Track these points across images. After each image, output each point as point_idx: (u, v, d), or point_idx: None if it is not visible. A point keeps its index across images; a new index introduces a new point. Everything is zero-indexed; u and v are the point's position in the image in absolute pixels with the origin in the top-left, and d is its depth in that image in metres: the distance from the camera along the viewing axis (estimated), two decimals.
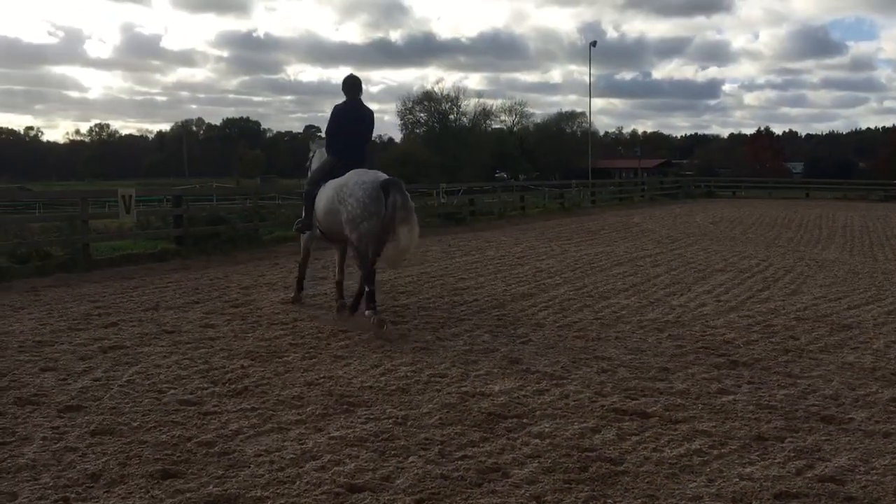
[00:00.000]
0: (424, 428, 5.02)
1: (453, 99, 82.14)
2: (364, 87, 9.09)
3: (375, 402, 5.52)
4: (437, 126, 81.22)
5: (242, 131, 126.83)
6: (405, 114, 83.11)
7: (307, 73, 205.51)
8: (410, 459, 4.50)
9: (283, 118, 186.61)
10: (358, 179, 8.08)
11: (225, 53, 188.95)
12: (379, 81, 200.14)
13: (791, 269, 12.76)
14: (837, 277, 11.95)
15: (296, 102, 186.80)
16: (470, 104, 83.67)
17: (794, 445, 4.79)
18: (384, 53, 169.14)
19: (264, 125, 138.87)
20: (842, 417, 5.32)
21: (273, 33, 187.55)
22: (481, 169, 73.57)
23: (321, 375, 6.17)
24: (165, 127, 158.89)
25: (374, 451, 4.61)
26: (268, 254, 14.27)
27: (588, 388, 5.90)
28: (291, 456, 4.51)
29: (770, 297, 9.98)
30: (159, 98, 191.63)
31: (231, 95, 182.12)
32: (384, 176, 8.12)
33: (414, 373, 6.27)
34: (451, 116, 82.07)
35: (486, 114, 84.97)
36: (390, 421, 5.13)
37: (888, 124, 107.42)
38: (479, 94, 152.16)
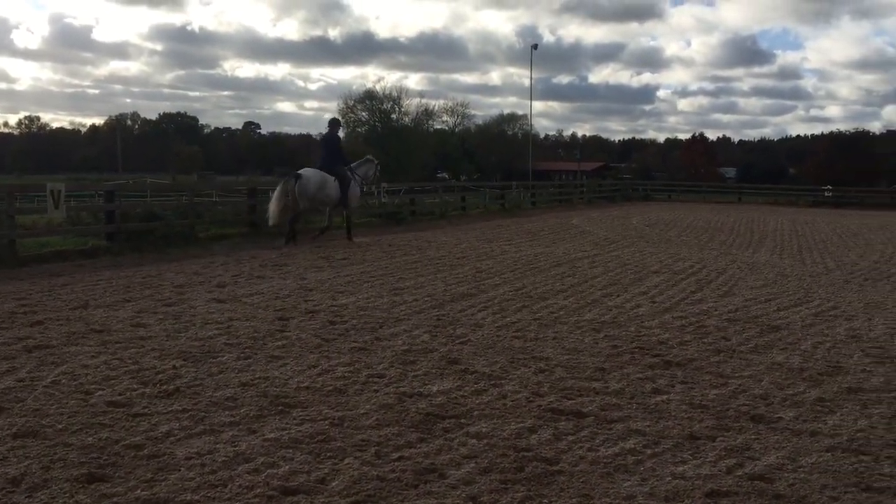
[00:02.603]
0: (361, 429, 4.97)
1: (395, 98, 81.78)
2: (342, 124, 17.77)
3: (311, 403, 5.44)
4: (379, 125, 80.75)
5: (179, 127, 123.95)
6: (347, 112, 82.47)
7: (245, 68, 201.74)
8: (346, 461, 4.44)
9: (221, 114, 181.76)
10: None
11: (159, 47, 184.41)
12: (318, 79, 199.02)
13: (723, 272, 13.06)
14: (768, 280, 12.27)
15: (233, 98, 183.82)
16: (412, 104, 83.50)
17: (724, 444, 4.88)
18: (323, 51, 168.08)
19: (202, 121, 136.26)
20: (771, 417, 5.44)
21: (208, 27, 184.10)
22: (423, 169, 73.56)
23: (256, 376, 6.05)
24: (99, 121, 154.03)
25: (308, 453, 4.54)
26: (203, 252, 13.97)
27: (525, 388, 5.93)
28: (224, 458, 4.40)
29: (703, 299, 10.19)
30: (91, 91, 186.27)
31: (166, 90, 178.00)
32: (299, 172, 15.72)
33: (351, 373, 6.21)
34: (394, 116, 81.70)
35: (427, 114, 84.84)
36: (326, 422, 5.06)
37: (816, 132, 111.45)
38: (421, 95, 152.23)
